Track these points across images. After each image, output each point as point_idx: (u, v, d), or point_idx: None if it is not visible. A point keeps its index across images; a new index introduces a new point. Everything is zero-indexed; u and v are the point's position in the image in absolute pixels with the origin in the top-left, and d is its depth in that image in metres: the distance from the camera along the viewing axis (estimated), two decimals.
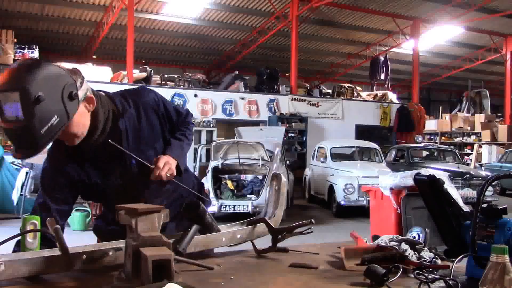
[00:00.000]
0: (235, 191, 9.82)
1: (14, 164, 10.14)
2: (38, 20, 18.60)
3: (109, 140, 1.91)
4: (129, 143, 1.98)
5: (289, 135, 16.59)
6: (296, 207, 11.97)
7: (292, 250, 2.05)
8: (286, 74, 19.87)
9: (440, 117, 24.91)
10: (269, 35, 20.32)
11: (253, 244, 2.05)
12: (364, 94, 20.91)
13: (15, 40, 14.18)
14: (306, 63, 24.66)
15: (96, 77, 14.60)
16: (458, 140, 22.27)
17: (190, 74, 17.92)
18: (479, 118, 21.93)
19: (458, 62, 26.69)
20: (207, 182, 9.52)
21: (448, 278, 1.54)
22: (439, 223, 1.83)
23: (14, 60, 13.87)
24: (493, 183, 10.99)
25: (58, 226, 1.56)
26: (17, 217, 8.71)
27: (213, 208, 8.86)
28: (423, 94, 28.56)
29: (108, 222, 2.15)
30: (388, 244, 1.87)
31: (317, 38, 22.41)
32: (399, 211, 5.83)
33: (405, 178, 5.73)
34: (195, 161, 12.11)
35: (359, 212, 10.26)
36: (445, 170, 9.41)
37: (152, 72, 16.16)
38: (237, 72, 18.84)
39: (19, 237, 1.75)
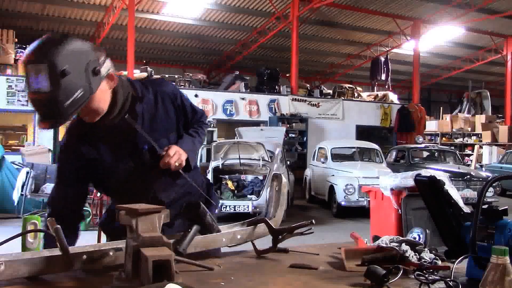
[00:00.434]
0: (236, 191, 9.83)
1: (15, 164, 10.15)
2: (38, 20, 18.62)
3: (126, 116, 1.93)
4: (144, 127, 2.00)
5: (290, 135, 16.59)
6: (297, 207, 11.97)
7: (292, 250, 2.05)
8: (287, 75, 19.88)
9: (440, 118, 24.92)
10: (270, 36, 20.33)
11: (253, 244, 2.05)
12: (364, 95, 20.91)
13: (16, 40, 14.19)
14: (306, 63, 24.67)
15: None
16: (458, 141, 22.27)
17: (190, 74, 17.93)
18: (480, 119, 21.94)
19: (459, 63, 26.70)
20: None
21: (448, 279, 1.54)
22: (440, 224, 1.83)
23: (15, 60, 13.88)
24: (493, 184, 11.02)
25: (58, 226, 1.56)
26: (18, 217, 8.71)
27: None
28: (424, 95, 28.55)
29: (114, 219, 2.14)
30: (389, 245, 1.87)
31: (318, 38, 22.41)
32: (399, 212, 5.83)
33: (406, 178, 5.73)
34: None
35: (360, 213, 10.26)
36: (445, 171, 9.40)
37: (153, 72, 16.17)
38: (237, 73, 18.84)
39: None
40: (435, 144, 19.73)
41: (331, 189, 11.11)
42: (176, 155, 1.96)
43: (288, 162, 12.25)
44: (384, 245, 1.88)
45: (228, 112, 16.12)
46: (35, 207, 9.66)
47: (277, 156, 10.77)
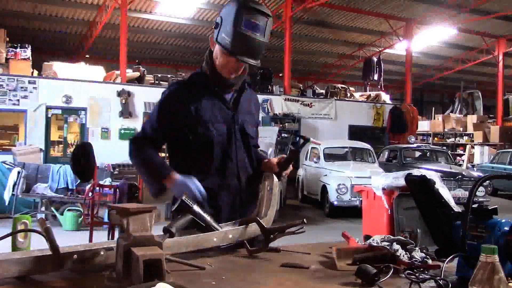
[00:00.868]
0: None
1: (6, 164, 10.08)
2: (30, 19, 18.52)
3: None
4: (241, 110, 2.35)
5: (282, 135, 16.59)
6: (289, 207, 11.99)
7: (284, 250, 2.05)
8: (280, 75, 19.90)
9: (432, 118, 25.04)
10: None
11: (245, 244, 2.05)
12: (357, 95, 20.96)
13: (7, 39, 14.11)
14: (299, 63, 24.69)
15: (89, 76, 14.56)
16: (450, 141, 22.39)
17: (183, 74, 17.88)
18: (471, 119, 22.07)
19: (451, 63, 26.83)
20: None
21: (438, 278, 1.55)
22: (430, 223, 1.84)
23: (6, 60, 13.80)
24: (484, 184, 11.08)
25: (48, 226, 1.56)
26: (9, 217, 8.65)
27: None
28: (416, 95, 28.67)
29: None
30: (380, 244, 1.88)
31: (311, 38, 22.44)
32: (390, 212, 5.85)
33: (397, 178, 5.75)
34: None
35: (352, 213, 10.28)
36: (437, 171, 9.43)
37: (146, 71, 16.14)
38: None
39: None
40: (427, 144, 19.82)
41: (324, 189, 11.13)
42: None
43: None
44: (375, 244, 1.89)
45: None
46: (26, 207, 9.61)
47: (270, 156, 10.76)
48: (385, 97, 20.63)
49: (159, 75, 16.77)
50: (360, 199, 8.18)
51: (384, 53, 23.24)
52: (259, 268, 1.82)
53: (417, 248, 1.87)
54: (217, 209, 2.20)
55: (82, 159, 9.47)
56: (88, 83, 14.20)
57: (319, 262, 1.89)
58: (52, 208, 9.20)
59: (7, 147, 14.10)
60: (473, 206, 1.60)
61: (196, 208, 1.98)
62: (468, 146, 20.90)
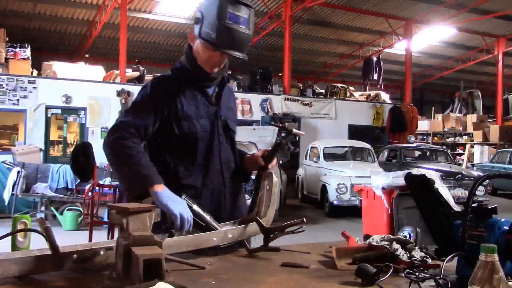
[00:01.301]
0: None
1: (6, 164, 10.08)
2: (30, 19, 18.51)
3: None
4: (223, 105, 2.32)
5: (282, 134, 16.56)
6: (289, 206, 11.98)
7: (284, 249, 2.05)
8: (279, 74, 19.89)
9: (432, 118, 25.03)
10: (262, 35, 20.32)
11: (244, 243, 2.05)
12: (357, 94, 20.96)
13: (7, 39, 14.09)
14: (299, 63, 24.68)
15: (89, 76, 14.55)
16: (450, 140, 22.39)
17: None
18: (471, 118, 22.07)
19: (451, 63, 26.82)
20: None
21: (438, 277, 1.55)
22: (430, 223, 1.84)
23: (6, 59, 13.79)
24: (484, 183, 11.09)
25: (48, 225, 1.56)
26: (8, 217, 8.65)
27: None
28: (416, 95, 28.66)
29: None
30: (379, 244, 1.88)
31: (310, 38, 22.44)
32: (390, 211, 5.85)
33: (397, 178, 5.75)
34: None
35: (352, 212, 10.29)
36: (437, 170, 9.45)
37: (145, 71, 16.13)
38: (230, 72, 18.78)
39: None
40: (427, 144, 19.83)
41: (324, 188, 11.13)
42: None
43: (281, 162, 12.25)
44: (375, 244, 1.89)
45: None
46: (26, 207, 9.61)
47: None
48: (385, 96, 20.63)
49: (159, 75, 16.74)
50: (360, 198, 8.19)
51: (384, 53, 23.24)
52: (259, 267, 1.82)
53: (417, 247, 1.88)
54: (201, 206, 2.11)
55: (81, 158, 9.45)
56: (87, 83, 14.20)
57: (319, 262, 1.89)
58: (52, 208, 9.20)
59: (6, 147, 14.09)
60: (472, 205, 1.60)
61: (196, 207, 1.98)
62: (467, 146, 20.90)
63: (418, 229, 2.20)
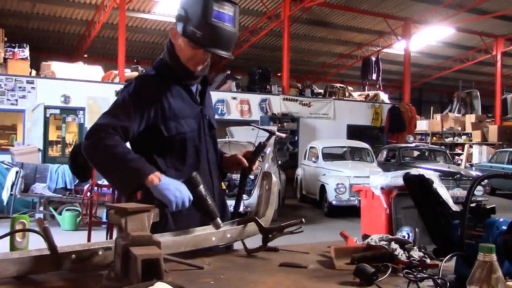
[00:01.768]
0: (227, 190, 9.81)
1: (4, 164, 10.07)
2: (28, 19, 18.49)
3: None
4: (206, 104, 2.31)
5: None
6: (288, 206, 11.99)
7: (283, 249, 2.05)
8: (278, 74, 19.90)
9: (431, 118, 25.07)
10: (261, 35, 20.33)
11: (243, 243, 2.05)
12: (355, 94, 20.97)
13: (5, 38, 14.08)
14: (298, 63, 24.69)
15: (87, 76, 14.55)
16: (449, 140, 22.43)
17: None
18: (470, 118, 22.10)
19: (449, 63, 26.85)
20: None
21: (436, 277, 1.55)
22: (428, 223, 1.84)
23: (4, 59, 13.78)
24: (483, 183, 11.10)
25: (47, 225, 1.56)
26: (7, 217, 8.65)
27: None
28: (414, 95, 28.70)
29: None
30: (378, 244, 1.88)
31: (309, 38, 22.44)
32: (389, 211, 5.86)
33: (396, 178, 5.77)
34: None
35: (351, 212, 10.29)
36: (435, 170, 9.47)
37: (144, 71, 16.09)
38: (229, 72, 18.82)
39: None
40: (425, 144, 19.85)
41: (322, 188, 11.14)
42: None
43: (280, 162, 12.26)
44: (374, 244, 1.89)
45: (219, 112, 16.09)
46: (24, 207, 9.60)
47: (269, 156, 10.78)
48: (384, 96, 20.64)
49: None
50: (359, 198, 8.20)
51: (383, 53, 23.26)
52: (257, 267, 1.82)
53: (415, 247, 1.88)
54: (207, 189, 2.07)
55: (80, 158, 9.43)
56: (86, 83, 14.19)
57: (317, 262, 1.89)
58: (51, 208, 9.20)
59: (5, 147, 14.08)
60: (471, 205, 1.60)
61: (202, 188, 1.95)
62: (466, 146, 20.92)
63: (416, 229, 2.20)
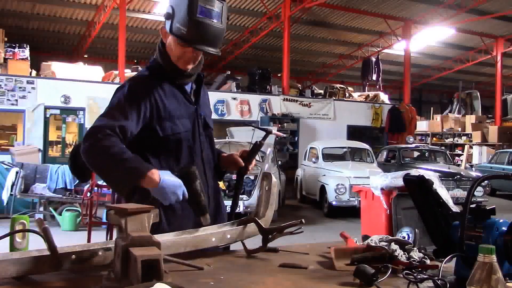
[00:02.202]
0: (227, 191, 9.81)
1: (4, 164, 10.07)
2: (29, 19, 18.49)
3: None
4: (201, 103, 2.29)
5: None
6: (288, 207, 11.99)
7: (282, 250, 2.05)
8: (278, 75, 19.89)
9: (431, 118, 25.07)
10: (261, 35, 20.33)
11: (243, 244, 2.05)
12: (355, 95, 20.97)
13: (6, 39, 14.09)
14: (298, 63, 24.69)
15: (87, 76, 14.55)
16: (449, 141, 22.43)
17: None
18: (470, 119, 22.11)
19: (449, 63, 26.84)
20: None
21: (436, 278, 1.55)
22: (428, 223, 1.84)
23: (5, 59, 13.78)
24: (483, 184, 11.10)
25: (46, 226, 1.56)
26: (7, 217, 8.65)
27: None
28: (415, 95, 28.69)
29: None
30: (378, 244, 1.88)
31: (309, 38, 22.44)
32: (389, 212, 5.86)
33: (396, 178, 5.76)
34: None
35: (351, 213, 10.29)
36: (435, 171, 9.45)
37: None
38: (229, 72, 18.82)
39: None
40: (425, 144, 19.85)
41: (322, 189, 11.13)
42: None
43: (280, 162, 12.26)
44: (374, 245, 1.89)
45: (219, 112, 16.10)
46: (24, 207, 9.60)
47: (268, 156, 10.78)
48: (384, 97, 20.65)
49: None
50: (359, 199, 8.20)
51: (383, 53, 23.26)
52: (257, 268, 1.82)
53: (415, 248, 1.87)
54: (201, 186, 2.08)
55: (80, 159, 9.42)
56: (86, 83, 14.19)
57: (317, 262, 1.89)
58: (51, 208, 9.19)
59: (5, 147, 14.08)
60: (471, 206, 1.60)
61: (198, 184, 1.96)
62: (466, 146, 20.93)
63: (416, 230, 2.20)
